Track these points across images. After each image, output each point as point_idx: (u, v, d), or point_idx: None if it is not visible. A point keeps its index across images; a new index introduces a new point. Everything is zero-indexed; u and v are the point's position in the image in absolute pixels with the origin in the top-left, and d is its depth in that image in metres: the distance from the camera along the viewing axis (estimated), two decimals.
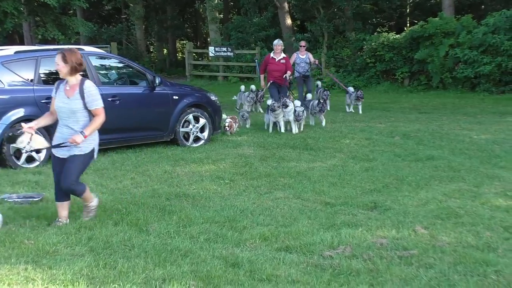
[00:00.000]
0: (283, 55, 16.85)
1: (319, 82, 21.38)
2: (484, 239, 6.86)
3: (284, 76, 16.65)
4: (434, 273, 5.88)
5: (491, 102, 21.53)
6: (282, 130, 15.06)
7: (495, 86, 23.82)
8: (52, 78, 11.90)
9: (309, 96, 17.50)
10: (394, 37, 27.87)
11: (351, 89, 19.95)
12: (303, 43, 20.28)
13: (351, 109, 19.52)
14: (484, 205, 8.28)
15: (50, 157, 11.17)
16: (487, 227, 7.30)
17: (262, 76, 17.83)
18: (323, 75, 21.58)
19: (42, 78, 11.60)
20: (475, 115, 18.08)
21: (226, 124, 14.76)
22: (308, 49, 20.77)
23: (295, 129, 14.96)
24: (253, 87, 20.00)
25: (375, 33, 29.26)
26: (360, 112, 18.88)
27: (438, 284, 5.63)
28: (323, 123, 16.11)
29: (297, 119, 15.02)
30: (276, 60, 16.73)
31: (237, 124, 15.38)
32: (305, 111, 15.29)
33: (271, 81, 16.84)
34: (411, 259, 6.23)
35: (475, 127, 15.64)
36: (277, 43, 16.84)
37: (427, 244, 6.67)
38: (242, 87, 20.57)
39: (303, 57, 19.48)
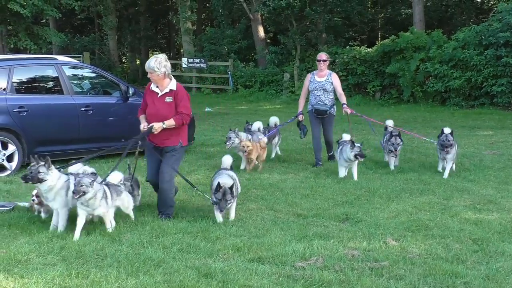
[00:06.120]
0: (172, 85, 8.58)
1: (389, 122, 12.88)
2: (453, 251, 6.97)
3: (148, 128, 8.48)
4: (404, 284, 5.96)
5: (461, 116, 21.75)
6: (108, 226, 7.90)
7: (465, 101, 24.08)
8: (25, 87, 11.89)
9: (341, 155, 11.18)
10: (366, 51, 28.07)
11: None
12: (323, 56, 12.66)
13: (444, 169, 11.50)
14: (453, 218, 8.39)
15: (21, 165, 11.21)
16: (456, 239, 7.40)
17: (142, 118, 8.76)
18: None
19: (15, 87, 11.54)
20: None
21: None
22: (329, 67, 13.61)
23: None
24: (273, 119, 13.84)
25: (347, 47, 29.43)
26: (452, 169, 11.69)
27: None
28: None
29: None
30: (159, 95, 8.57)
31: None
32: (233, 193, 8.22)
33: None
34: (381, 271, 6.31)
35: None
36: (149, 66, 8.33)
37: (397, 256, 6.75)
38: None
39: (320, 81, 12.41)
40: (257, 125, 13.00)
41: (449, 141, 11.20)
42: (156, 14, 49.04)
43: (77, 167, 8.56)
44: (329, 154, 12.76)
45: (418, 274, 6.23)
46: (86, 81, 13.32)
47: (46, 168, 7.74)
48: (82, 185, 7.43)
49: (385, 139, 12.27)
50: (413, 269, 6.37)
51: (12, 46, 26.31)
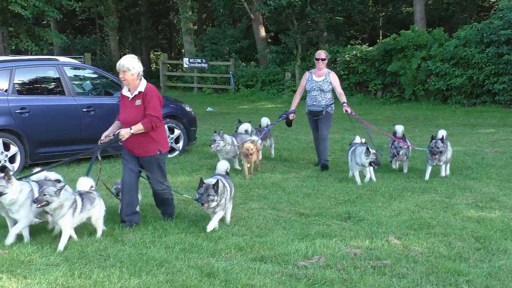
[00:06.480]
0: (141, 87, 8.05)
1: (398, 128, 12.12)
2: (456, 249, 6.97)
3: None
4: (407, 282, 5.97)
5: (463, 114, 21.74)
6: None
7: (467, 99, 24.04)
8: (27, 88, 11.90)
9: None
10: (367, 49, 28.04)
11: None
12: (322, 54, 12.12)
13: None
14: (456, 216, 8.39)
15: (24, 166, 11.23)
16: (458, 237, 7.41)
17: (114, 124, 8.39)
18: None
19: (17, 88, 11.56)
20: (447, 127, 18.11)
21: None
22: (327, 65, 12.58)
23: None
24: (265, 120, 13.44)
25: (348, 46, 29.39)
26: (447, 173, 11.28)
27: None
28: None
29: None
30: (129, 99, 8.09)
31: None
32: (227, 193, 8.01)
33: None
34: (384, 269, 6.31)
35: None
36: (123, 65, 7.98)
37: (400, 254, 6.76)
38: None
39: (318, 80, 11.95)
40: (245, 127, 12.65)
41: (438, 148, 10.81)
42: (157, 15, 49.05)
43: (41, 175, 7.92)
44: (323, 161, 11.92)
45: (421, 272, 6.24)
46: (88, 82, 13.33)
47: (6, 180, 7.03)
48: (45, 194, 6.92)
49: (390, 144, 11.91)
50: (416, 267, 6.38)
51: (13, 47, 26.39)
